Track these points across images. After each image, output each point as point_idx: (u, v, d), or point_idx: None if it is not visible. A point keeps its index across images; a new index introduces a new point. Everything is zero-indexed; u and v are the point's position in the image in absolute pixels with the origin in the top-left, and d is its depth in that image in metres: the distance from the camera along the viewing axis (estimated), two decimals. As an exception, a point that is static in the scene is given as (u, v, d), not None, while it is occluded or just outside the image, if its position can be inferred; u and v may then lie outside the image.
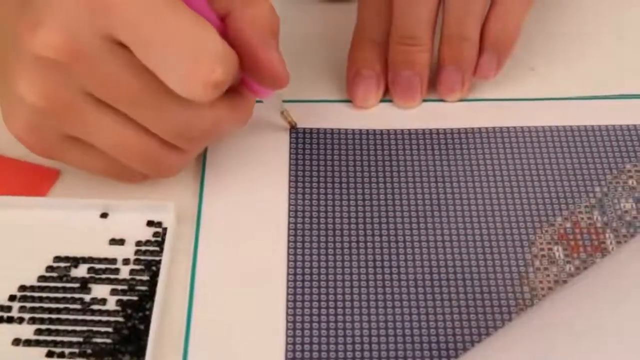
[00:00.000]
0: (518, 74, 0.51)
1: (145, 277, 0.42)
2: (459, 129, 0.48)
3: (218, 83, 0.37)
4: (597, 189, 0.46)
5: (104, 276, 0.42)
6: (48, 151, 0.42)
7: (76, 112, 0.39)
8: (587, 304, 0.35)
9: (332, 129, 0.48)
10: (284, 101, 0.47)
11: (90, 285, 0.42)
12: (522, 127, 0.48)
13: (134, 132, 0.40)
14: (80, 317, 0.41)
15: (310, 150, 0.47)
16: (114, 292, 0.42)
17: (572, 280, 0.38)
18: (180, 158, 0.42)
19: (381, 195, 0.45)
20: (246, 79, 0.42)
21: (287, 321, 0.41)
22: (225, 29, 0.40)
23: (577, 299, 0.36)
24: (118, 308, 0.41)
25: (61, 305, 0.41)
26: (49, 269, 0.43)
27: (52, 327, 0.41)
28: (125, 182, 0.44)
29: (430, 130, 0.48)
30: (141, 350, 0.40)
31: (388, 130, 0.48)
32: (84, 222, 0.44)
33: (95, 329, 0.41)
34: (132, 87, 0.38)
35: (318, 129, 0.48)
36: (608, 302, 0.35)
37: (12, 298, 0.42)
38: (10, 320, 0.41)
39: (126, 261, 0.43)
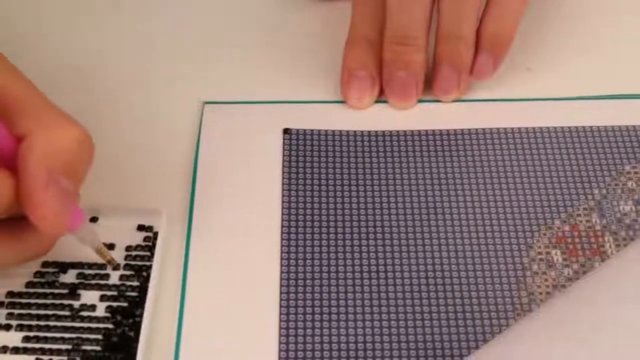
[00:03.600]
0: (514, 74, 0.50)
1: (136, 283, 0.42)
2: (455, 130, 0.48)
3: None
4: (596, 191, 0.45)
5: (93, 282, 0.42)
6: None
7: None
8: (587, 309, 0.35)
9: (325, 131, 0.48)
10: (283, 102, 0.45)
11: (80, 291, 0.41)
12: (518, 128, 0.48)
13: None
14: (69, 324, 0.40)
15: (303, 152, 0.47)
16: (103, 298, 0.41)
17: (573, 285, 0.37)
18: None
19: (376, 198, 0.45)
20: None
21: (280, 327, 0.40)
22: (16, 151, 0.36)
23: (578, 304, 0.35)
24: (108, 314, 0.41)
25: (50, 312, 0.41)
26: (37, 274, 0.42)
27: (41, 334, 0.40)
28: None
29: (426, 131, 0.48)
30: (131, 357, 0.39)
31: (383, 131, 0.48)
32: (73, 227, 0.44)
33: (84, 336, 0.40)
34: None
35: (312, 131, 0.47)
36: (609, 306, 0.35)
37: (-1, 305, 0.41)
38: (-3, 327, 0.40)
39: (116, 266, 0.42)
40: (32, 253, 0.39)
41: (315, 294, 0.41)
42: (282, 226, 0.44)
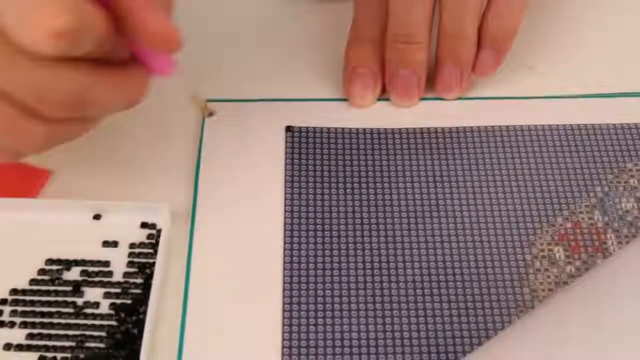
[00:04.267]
0: (516, 72, 0.50)
1: (139, 280, 0.42)
2: (457, 128, 0.48)
3: (62, 33, 0.34)
4: (598, 188, 0.45)
5: (97, 279, 0.42)
6: None
7: None
8: (589, 306, 0.35)
9: (328, 128, 0.48)
10: (285, 99, 0.45)
11: (83, 289, 0.42)
12: (521, 126, 0.48)
13: None
14: (72, 321, 0.40)
15: (306, 149, 0.47)
16: (107, 295, 0.41)
17: (575, 282, 0.37)
18: (46, 129, 0.38)
19: (378, 195, 0.45)
20: (140, 52, 0.39)
21: (284, 324, 0.40)
22: None
23: (580, 301, 0.36)
24: (111, 312, 0.41)
25: (53, 309, 0.41)
26: (41, 272, 0.42)
27: (44, 331, 0.40)
28: None
29: (428, 129, 0.48)
30: (134, 355, 0.39)
31: (385, 129, 0.48)
32: (77, 224, 0.44)
33: (88, 333, 0.40)
34: None
35: (314, 128, 0.48)
36: (612, 304, 0.35)
37: (3, 302, 0.41)
38: (1, 324, 0.40)
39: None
40: (127, 98, 0.39)
41: (318, 291, 0.41)
42: (285, 223, 0.44)
